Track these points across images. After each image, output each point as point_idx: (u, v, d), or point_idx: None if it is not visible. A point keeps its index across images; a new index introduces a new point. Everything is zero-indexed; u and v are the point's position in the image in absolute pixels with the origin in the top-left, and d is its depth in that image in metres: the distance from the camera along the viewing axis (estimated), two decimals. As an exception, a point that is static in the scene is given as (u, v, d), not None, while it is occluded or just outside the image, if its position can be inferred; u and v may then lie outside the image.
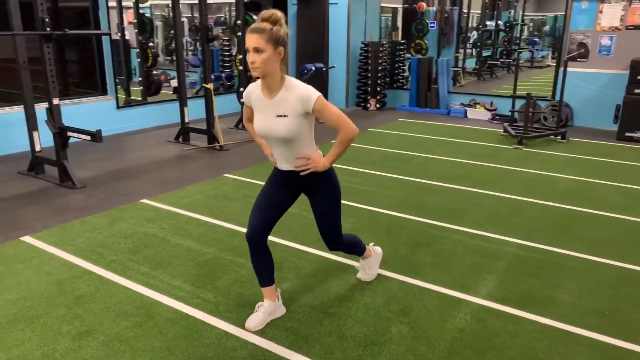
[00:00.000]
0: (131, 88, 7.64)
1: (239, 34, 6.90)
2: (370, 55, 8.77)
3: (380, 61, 8.77)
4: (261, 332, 2.42)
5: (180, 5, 5.99)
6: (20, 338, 2.35)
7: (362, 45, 8.83)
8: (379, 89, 8.96)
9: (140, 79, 7.68)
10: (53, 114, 4.47)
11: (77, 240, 3.42)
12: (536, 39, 12.98)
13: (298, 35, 9.27)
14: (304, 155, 2.28)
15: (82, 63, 7.14)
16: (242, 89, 7.11)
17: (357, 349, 2.30)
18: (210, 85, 5.98)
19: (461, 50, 11.73)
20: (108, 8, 6.59)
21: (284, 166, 2.36)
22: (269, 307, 2.49)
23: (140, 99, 7.56)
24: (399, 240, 3.50)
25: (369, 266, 2.93)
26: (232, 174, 4.98)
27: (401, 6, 10.86)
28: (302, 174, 2.32)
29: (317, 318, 2.54)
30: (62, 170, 4.60)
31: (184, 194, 4.40)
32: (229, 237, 3.49)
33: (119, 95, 6.89)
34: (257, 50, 2.08)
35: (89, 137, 4.29)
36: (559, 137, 6.63)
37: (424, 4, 9.76)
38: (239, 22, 6.83)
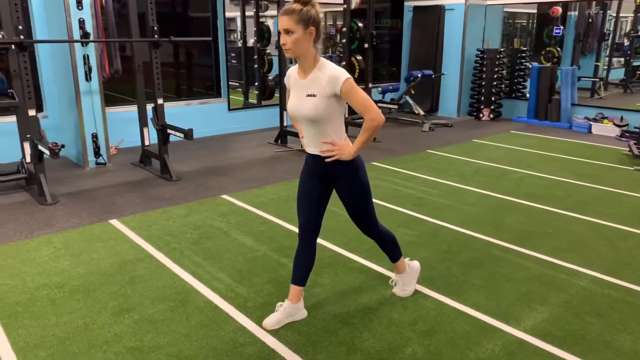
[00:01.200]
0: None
1: (344, 40, 7.00)
2: (485, 62, 8.32)
3: (496, 69, 8.28)
4: (275, 332, 2.46)
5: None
6: (74, 307, 2.68)
7: (478, 53, 8.41)
8: (493, 99, 8.46)
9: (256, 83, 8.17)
10: (157, 112, 4.97)
11: (152, 227, 3.77)
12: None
13: (412, 41, 9.13)
14: (330, 141, 2.27)
15: (204, 68, 7.80)
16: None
17: (362, 364, 2.24)
18: (307, 91, 6.15)
19: (605, 59, 10.62)
20: (225, 17, 7.11)
21: (311, 149, 2.36)
22: (287, 308, 2.53)
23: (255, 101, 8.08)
24: (456, 258, 3.30)
25: (404, 282, 2.81)
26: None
27: (531, 11, 10.15)
28: (327, 160, 2.30)
29: (335, 326, 2.52)
30: (162, 164, 5.10)
31: (261, 192, 4.61)
32: (283, 237, 3.58)
33: (236, 98, 7.42)
34: (288, 31, 2.13)
35: (182, 135, 4.69)
36: (698, 161, 5.69)
37: (559, 9, 9.00)
38: (344, 29, 6.95)
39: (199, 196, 4.50)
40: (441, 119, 8.49)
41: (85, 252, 3.35)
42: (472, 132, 7.54)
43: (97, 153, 5.46)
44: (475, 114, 8.67)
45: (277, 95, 8.94)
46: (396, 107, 7.80)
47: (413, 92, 8.17)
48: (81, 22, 5.03)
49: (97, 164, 5.49)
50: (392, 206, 4.27)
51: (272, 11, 7.86)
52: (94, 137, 5.40)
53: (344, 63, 7.10)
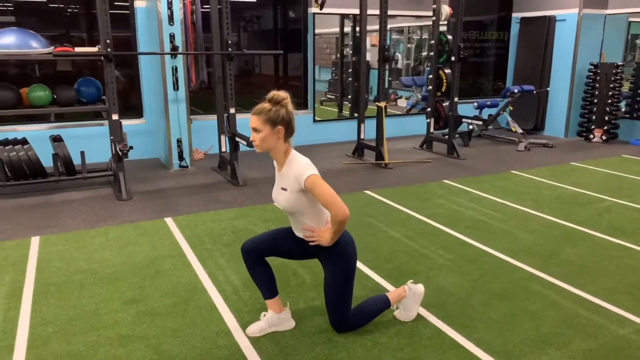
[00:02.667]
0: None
1: (431, 53, 6.80)
2: (599, 78, 7.50)
3: (612, 85, 7.41)
4: (256, 340, 2.47)
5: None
6: (95, 292, 2.94)
7: (591, 67, 7.61)
8: (607, 118, 7.58)
9: (350, 96, 8.24)
10: (230, 121, 5.27)
11: (197, 227, 4.00)
12: None
13: (517, 55, 8.56)
14: (308, 228, 2.33)
15: (294, 80, 8.04)
16: (428, 109, 6.99)
17: (323, 383, 2.16)
18: (382, 104, 6.08)
19: None
20: (314, 31, 7.30)
21: (297, 233, 2.43)
22: (271, 318, 2.53)
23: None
24: (483, 287, 3.03)
25: (405, 306, 2.65)
26: (372, 191, 5.00)
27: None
28: (310, 244, 2.35)
29: (315, 342, 2.46)
30: (232, 169, 5.38)
31: (314, 203, 4.64)
32: (310, 248, 3.57)
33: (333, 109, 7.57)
34: (255, 129, 2.24)
35: (245, 142, 4.91)
36: None
37: None
38: (432, 41, 6.75)
39: (255, 202, 4.67)
40: (544, 138, 7.81)
41: (130, 245, 3.66)
42: (573, 155, 6.83)
43: (180, 157, 5.92)
44: (584, 134, 7.83)
45: (370, 107, 9.01)
46: (480, 123, 7.33)
47: (512, 108, 7.64)
48: (171, 37, 5.52)
49: (180, 166, 5.96)
50: (442, 227, 4.04)
51: (370, 26, 7.88)
52: (179, 142, 5.87)
53: (431, 76, 6.89)
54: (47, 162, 4.86)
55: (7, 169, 4.70)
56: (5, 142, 4.74)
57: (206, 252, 3.53)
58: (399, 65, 10.53)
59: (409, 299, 2.64)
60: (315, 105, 7.57)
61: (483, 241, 3.75)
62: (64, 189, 5.01)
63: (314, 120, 7.52)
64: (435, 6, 6.59)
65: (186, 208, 4.50)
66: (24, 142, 4.80)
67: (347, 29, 8.47)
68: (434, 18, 6.66)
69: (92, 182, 5.21)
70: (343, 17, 8.44)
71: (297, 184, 2.23)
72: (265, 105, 2.24)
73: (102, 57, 4.60)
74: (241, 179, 5.29)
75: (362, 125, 6.48)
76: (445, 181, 5.44)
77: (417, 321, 2.64)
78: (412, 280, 2.71)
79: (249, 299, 2.87)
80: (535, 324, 2.63)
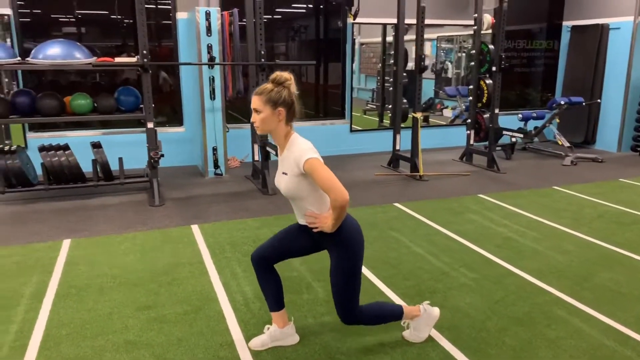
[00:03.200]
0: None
1: (472, 64, 6.62)
2: (656, 90, 7.05)
3: (670, 98, 6.95)
4: (257, 353, 2.45)
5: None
6: (113, 297, 3.02)
7: (647, 78, 7.18)
8: (664, 133, 7.11)
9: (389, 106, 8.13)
10: (261, 130, 5.31)
11: (221, 235, 4.04)
12: None
13: (567, 64, 8.20)
14: (310, 214, 2.27)
15: (336, 89, 8.03)
16: (468, 120, 6.80)
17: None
18: (419, 114, 5.96)
19: None
20: (354, 41, 7.27)
21: (300, 220, 2.37)
22: (273, 332, 2.50)
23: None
24: (503, 310, 2.88)
25: (416, 327, 2.55)
26: (402, 204, 4.90)
27: None
28: (314, 230, 2.28)
29: (316, 359, 2.41)
30: (262, 178, 5.41)
31: (340, 215, 4.59)
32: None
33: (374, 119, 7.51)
34: (256, 110, 2.19)
35: (274, 152, 4.93)
36: None
37: None
38: (472, 51, 6.57)
39: (282, 211, 4.68)
40: (593, 152, 7.41)
41: (153, 251, 3.74)
42: (624, 170, 6.44)
43: (215, 164, 6.03)
44: (639, 149, 7.37)
45: (435, 121, 8.91)
46: (521, 136, 7.03)
47: (558, 120, 7.31)
48: (209, 47, 5.65)
49: (215, 174, 6.06)
50: (469, 244, 3.89)
51: (411, 35, 7.79)
52: (214, 150, 5.98)
53: (471, 87, 6.71)
54: (87, 167, 5.06)
55: (49, 173, 4.93)
56: (49, 148, 4.98)
57: (225, 260, 3.56)
58: (449, 75, 10.34)
59: (421, 320, 2.55)
60: (353, 114, 7.51)
61: (511, 261, 3.58)
62: (101, 194, 5.20)
63: (351, 130, 7.47)
64: (476, 15, 6.42)
65: (214, 216, 4.56)
66: (65, 147, 5.02)
67: (390, 38, 8.38)
68: (475, 27, 6.48)
69: (128, 188, 5.39)
70: (385, 26, 8.37)
71: (297, 167, 2.15)
72: (268, 85, 2.19)
73: (139, 68, 4.75)
74: (271, 188, 5.32)
75: (398, 136, 6.38)
76: (481, 195, 5.25)
77: (426, 342, 2.55)
78: (428, 302, 2.61)
79: (258, 310, 2.86)
80: (553, 352, 2.47)
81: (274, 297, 2.48)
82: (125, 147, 5.84)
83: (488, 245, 3.88)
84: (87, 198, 5.07)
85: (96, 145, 5.17)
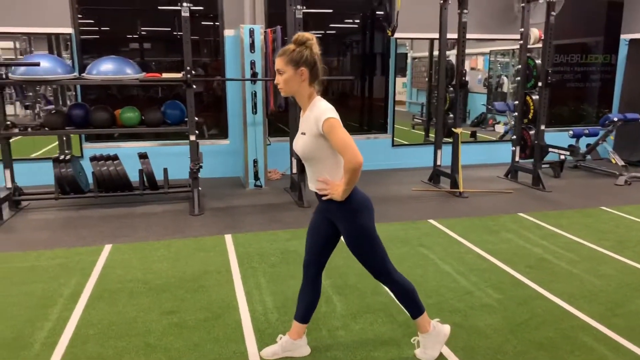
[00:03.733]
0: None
1: (517, 79, 6.46)
2: None
3: None
4: (267, 363, 2.51)
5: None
6: (140, 301, 3.17)
7: None
8: None
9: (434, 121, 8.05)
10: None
11: (251, 246, 4.15)
12: None
13: (624, 79, 7.83)
14: (323, 179, 2.27)
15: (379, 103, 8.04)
16: (513, 137, 6.63)
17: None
18: (459, 130, 5.88)
19: None
20: (397, 54, 7.27)
21: (311, 185, 2.38)
22: (285, 342, 2.55)
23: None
24: (525, 334, 2.79)
25: (426, 344, 2.53)
26: (436, 220, 4.83)
27: None
28: (323, 198, 2.30)
29: (325, 372, 2.44)
30: (298, 191, 5.50)
31: (371, 229, 4.59)
32: (349, 275, 3.53)
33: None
34: (279, 71, 2.23)
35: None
36: None
37: None
38: (518, 67, 6.41)
39: (304, 225, 4.72)
40: (652, 172, 7.00)
41: (185, 258, 3.89)
42: (684, 192, 6.05)
43: (256, 176, 6.19)
44: None
45: (484, 136, 8.72)
46: (568, 153, 6.74)
47: (612, 138, 6.97)
48: (252, 63, 5.84)
49: (255, 186, 6.22)
50: (500, 264, 3.80)
51: (469, 49, 7.70)
52: (255, 162, 6.14)
53: (516, 102, 6.54)
54: (135, 177, 5.34)
55: (98, 182, 5.24)
56: (99, 158, 5.30)
57: (251, 270, 3.65)
58: (504, 89, 10.12)
59: (430, 337, 2.52)
60: (401, 128, 7.49)
61: (542, 283, 3.46)
62: (146, 202, 5.46)
63: (393, 144, 7.45)
64: (522, 29, 6.27)
65: (248, 226, 4.69)
66: (114, 157, 5.33)
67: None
68: (521, 42, 6.33)
69: (172, 197, 5.62)
70: (432, 41, 8.31)
71: (316, 127, 2.16)
72: (290, 46, 2.21)
73: (183, 83, 4.99)
74: (307, 200, 5.39)
75: (439, 151, 6.31)
76: (521, 214, 5.09)
77: (438, 363, 2.51)
78: (438, 320, 2.58)
79: (275, 321, 2.92)
80: (571, 381, 2.38)
81: (304, 308, 2.52)
82: (172, 158, 6.10)
83: (520, 265, 3.77)
84: (133, 206, 5.35)
85: (143, 156, 5.45)
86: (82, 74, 5.11)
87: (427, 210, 5.25)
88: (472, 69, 13.79)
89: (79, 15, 6.16)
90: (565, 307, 3.12)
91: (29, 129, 5.13)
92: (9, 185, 5.12)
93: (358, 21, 7.74)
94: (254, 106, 5.99)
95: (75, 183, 5.19)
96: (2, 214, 4.87)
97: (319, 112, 2.17)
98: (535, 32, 6.25)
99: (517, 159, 6.62)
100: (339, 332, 2.80)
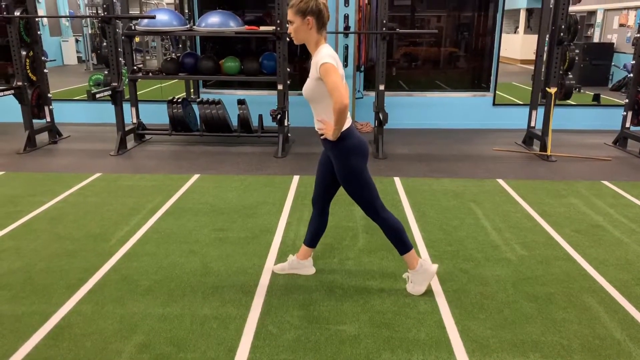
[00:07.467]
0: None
1: (637, 35, 5.80)
2: None
3: None
4: (274, 275, 2.95)
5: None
6: (200, 219, 3.79)
7: None
8: None
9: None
10: (378, 97, 5.62)
11: (310, 186, 4.54)
12: None
13: None
14: (321, 119, 2.56)
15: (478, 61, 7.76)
16: (626, 100, 6.05)
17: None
18: (553, 90, 5.55)
19: None
20: (503, 11, 6.91)
21: (315, 124, 2.63)
22: (292, 261, 2.96)
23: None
24: (526, 288, 2.85)
25: (414, 280, 2.76)
26: (505, 180, 4.78)
27: None
28: (320, 137, 2.59)
29: (318, 288, 2.80)
30: (376, 144, 5.75)
31: (426, 183, 4.71)
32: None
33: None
34: (290, 22, 2.52)
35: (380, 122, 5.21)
36: None
37: None
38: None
39: (383, 173, 4.98)
40: None
41: (252, 191, 4.46)
42: None
43: (344, 127, 6.52)
44: None
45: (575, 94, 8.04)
46: None
47: None
48: (345, 17, 6.09)
49: (343, 136, 6.57)
50: (546, 226, 3.74)
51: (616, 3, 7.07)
52: (344, 113, 6.46)
53: (633, 62, 5.90)
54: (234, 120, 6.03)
55: (203, 123, 6.03)
56: (205, 102, 6.07)
57: (301, 206, 4.09)
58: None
59: (418, 274, 2.73)
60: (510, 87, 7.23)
61: (578, 247, 3.38)
62: (242, 144, 6.15)
63: (494, 104, 7.20)
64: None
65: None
66: (217, 102, 6.05)
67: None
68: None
69: (265, 141, 6.25)
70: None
71: (316, 70, 2.38)
72: None
73: (273, 35, 5.45)
74: (382, 152, 5.62)
75: (534, 112, 6.03)
76: (605, 182, 4.78)
77: (423, 296, 2.73)
78: (426, 259, 2.78)
79: (299, 248, 3.33)
80: (542, 329, 2.44)
81: (312, 234, 2.90)
82: (266, 106, 6.68)
83: (566, 229, 3.68)
84: (230, 145, 6.07)
85: (241, 102, 6.10)
86: (192, 27, 5.83)
87: (501, 170, 5.17)
88: (622, 25, 12.30)
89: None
90: (588, 270, 3.06)
91: (150, 74, 6.04)
92: (134, 120, 6.14)
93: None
94: (344, 59, 6.26)
95: (183, 122, 6.04)
96: (127, 144, 5.90)
97: (319, 57, 2.42)
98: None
99: (627, 125, 6.04)
100: (349, 262, 3.13)
